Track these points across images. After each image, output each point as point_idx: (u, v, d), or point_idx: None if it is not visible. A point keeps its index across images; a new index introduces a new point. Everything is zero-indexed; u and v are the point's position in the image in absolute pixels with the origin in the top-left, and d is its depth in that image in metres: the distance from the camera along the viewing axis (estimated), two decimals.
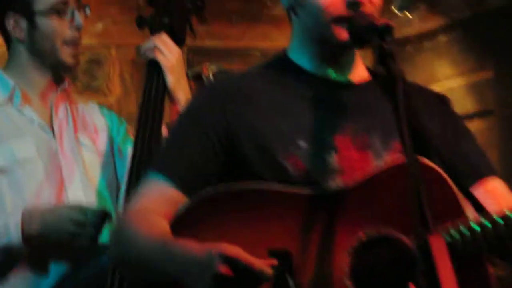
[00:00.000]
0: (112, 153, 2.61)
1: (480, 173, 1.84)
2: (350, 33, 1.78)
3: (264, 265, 1.61)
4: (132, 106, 4.30)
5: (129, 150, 2.60)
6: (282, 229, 1.74)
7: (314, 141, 1.80)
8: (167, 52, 2.49)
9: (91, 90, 4.38)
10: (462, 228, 1.67)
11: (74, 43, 2.52)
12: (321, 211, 1.73)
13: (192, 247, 1.66)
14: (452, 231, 1.67)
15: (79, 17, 2.55)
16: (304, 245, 1.72)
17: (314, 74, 1.86)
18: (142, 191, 1.86)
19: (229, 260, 1.59)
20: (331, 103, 1.84)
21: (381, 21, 1.70)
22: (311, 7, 1.80)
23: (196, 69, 4.45)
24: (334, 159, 1.80)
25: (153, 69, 2.50)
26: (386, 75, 1.62)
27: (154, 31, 2.60)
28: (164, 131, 2.51)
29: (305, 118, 1.82)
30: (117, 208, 2.57)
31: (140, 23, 2.64)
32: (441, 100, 1.92)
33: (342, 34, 1.79)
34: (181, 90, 2.50)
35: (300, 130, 1.80)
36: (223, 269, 1.59)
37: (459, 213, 1.71)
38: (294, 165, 1.79)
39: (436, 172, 1.71)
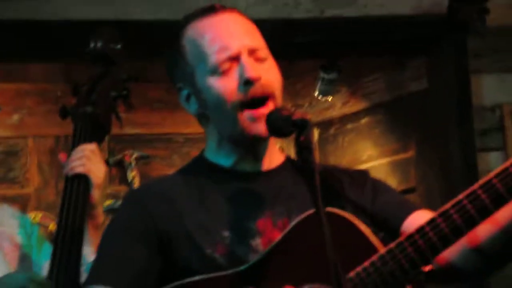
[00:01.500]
0: (19, 260, 2.52)
1: (402, 215, 1.88)
2: (268, 127, 1.83)
3: None
4: (51, 196, 4.23)
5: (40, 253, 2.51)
6: None
7: (237, 230, 1.85)
8: (97, 168, 2.43)
9: (8, 181, 4.30)
10: (373, 262, 1.74)
11: None
12: (249, 284, 1.78)
13: None
14: (366, 267, 1.74)
15: None
16: None
17: (231, 169, 1.91)
18: None
19: None
20: (249, 193, 1.90)
21: (298, 115, 1.76)
22: (214, 102, 1.87)
23: (117, 156, 4.42)
24: (259, 243, 1.84)
25: (75, 184, 2.41)
26: (304, 165, 1.71)
27: (77, 120, 2.54)
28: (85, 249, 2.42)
29: (226, 211, 1.87)
30: None
31: (63, 113, 2.57)
32: (358, 173, 1.99)
33: (252, 128, 1.84)
34: (101, 204, 2.44)
35: (223, 222, 1.85)
36: None
37: (373, 250, 1.77)
38: (222, 254, 1.83)
39: (343, 218, 1.78)
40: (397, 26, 3.93)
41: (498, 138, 3.99)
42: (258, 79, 1.85)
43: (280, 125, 1.79)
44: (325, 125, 4.74)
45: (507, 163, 1.71)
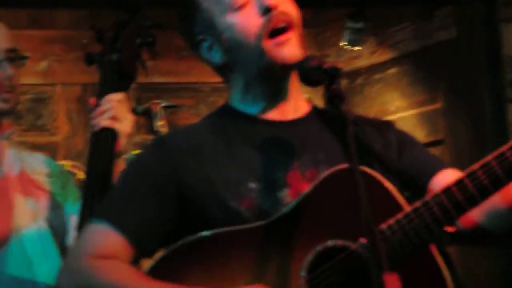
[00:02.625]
0: (51, 209, 2.57)
1: (430, 172, 1.89)
2: (299, 74, 1.84)
3: None
4: (80, 145, 4.25)
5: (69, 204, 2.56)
6: (242, 267, 1.77)
7: (264, 181, 1.84)
8: (124, 118, 2.45)
9: (37, 129, 4.32)
10: (399, 219, 1.75)
11: (2, 90, 2.50)
12: (273, 238, 1.78)
13: None
14: (391, 225, 1.75)
15: (8, 68, 2.52)
16: (262, 276, 1.76)
17: (257, 117, 1.91)
18: (93, 236, 1.86)
19: None
20: (276, 143, 1.89)
21: (328, 63, 1.77)
22: (238, 40, 1.86)
23: (145, 105, 4.44)
24: (287, 195, 1.83)
25: (102, 136, 2.44)
26: (333, 114, 1.72)
27: (103, 68, 2.56)
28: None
29: (253, 160, 1.86)
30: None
31: (89, 60, 2.58)
32: (384, 125, 1.99)
33: (279, 53, 1.85)
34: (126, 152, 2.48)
35: (250, 172, 1.84)
36: None
37: (399, 209, 1.77)
38: (248, 208, 1.82)
39: (369, 175, 1.78)
40: None
41: None
42: (277, 6, 1.85)
43: (311, 73, 1.79)
44: (352, 75, 4.71)
45: None
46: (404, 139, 1.96)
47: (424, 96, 4.50)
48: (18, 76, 2.56)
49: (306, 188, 1.82)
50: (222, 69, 1.94)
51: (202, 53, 1.94)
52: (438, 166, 1.90)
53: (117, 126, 2.40)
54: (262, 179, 1.83)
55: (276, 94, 1.91)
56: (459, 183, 1.73)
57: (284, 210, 1.80)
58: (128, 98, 2.49)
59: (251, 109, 1.92)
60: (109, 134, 2.39)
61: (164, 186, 1.84)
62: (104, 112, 2.41)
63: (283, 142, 1.89)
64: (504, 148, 1.72)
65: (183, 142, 1.88)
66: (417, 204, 1.76)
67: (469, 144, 4.12)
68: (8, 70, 2.50)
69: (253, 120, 1.91)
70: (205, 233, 1.79)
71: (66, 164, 4.18)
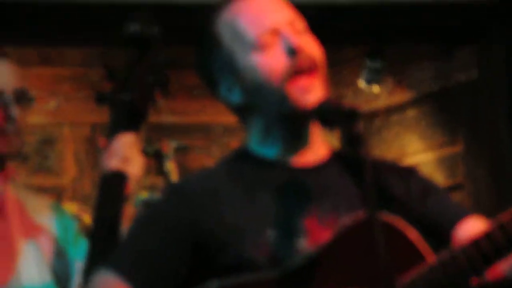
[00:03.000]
0: (54, 254, 2.50)
1: (454, 219, 1.85)
2: (318, 116, 1.82)
3: None
4: (88, 187, 4.22)
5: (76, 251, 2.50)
6: None
7: (281, 228, 1.80)
8: (135, 160, 2.39)
9: (44, 170, 4.30)
10: (423, 273, 1.71)
11: (4, 134, 2.43)
12: None
13: None
14: (415, 280, 1.71)
15: (14, 110, 2.46)
16: None
17: (276, 162, 1.86)
18: (100, 286, 1.83)
19: None
20: (295, 189, 1.85)
21: (348, 105, 1.74)
22: (258, 82, 1.82)
23: (155, 146, 4.38)
24: (305, 243, 1.79)
25: (112, 179, 2.38)
26: (353, 157, 1.71)
27: (114, 107, 2.50)
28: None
29: (271, 207, 1.82)
30: None
31: (100, 99, 2.53)
32: (406, 171, 1.96)
33: (301, 98, 1.81)
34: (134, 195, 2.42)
35: (267, 220, 1.80)
36: None
37: (421, 259, 1.74)
38: (264, 256, 1.78)
39: (391, 225, 1.75)
40: (447, 12, 3.88)
41: None
42: (303, 48, 1.81)
43: (329, 114, 1.76)
44: (369, 117, 4.69)
45: None
46: (427, 185, 1.91)
47: (444, 139, 4.46)
48: (24, 118, 2.51)
49: (325, 235, 1.78)
50: (241, 110, 1.89)
51: (220, 92, 1.88)
52: (462, 214, 1.85)
53: (128, 168, 2.33)
54: (279, 227, 1.79)
55: (296, 138, 1.87)
56: (489, 235, 1.69)
57: (299, 261, 1.75)
58: (139, 138, 2.42)
59: (270, 152, 1.87)
60: (119, 177, 2.32)
61: (177, 235, 1.80)
62: (114, 153, 2.35)
63: (302, 189, 1.84)
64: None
65: (198, 187, 1.84)
66: (444, 256, 1.71)
67: (489, 189, 4.08)
68: (14, 111, 2.45)
69: (272, 165, 1.86)
70: (214, 284, 1.73)
71: (73, 207, 4.11)
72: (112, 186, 2.33)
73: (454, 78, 4.33)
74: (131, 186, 2.37)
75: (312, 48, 1.84)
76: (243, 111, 1.88)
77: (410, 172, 1.93)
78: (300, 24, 1.85)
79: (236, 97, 1.86)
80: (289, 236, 1.79)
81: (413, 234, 1.76)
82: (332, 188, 1.85)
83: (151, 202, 3.86)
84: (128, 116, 2.43)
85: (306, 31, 1.86)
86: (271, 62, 1.81)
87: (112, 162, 2.34)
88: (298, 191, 1.84)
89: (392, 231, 1.73)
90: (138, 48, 2.48)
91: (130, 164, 2.37)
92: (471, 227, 1.78)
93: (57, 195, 4.14)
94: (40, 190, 4.01)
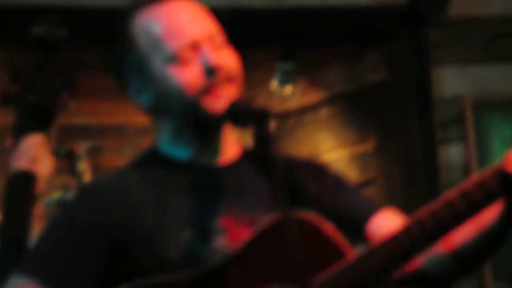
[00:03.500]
0: None
1: (367, 214, 1.87)
2: (229, 116, 1.81)
3: None
4: None
5: None
6: None
7: (197, 228, 1.79)
8: (44, 160, 2.37)
9: None
10: (344, 269, 1.74)
11: None
12: None
13: None
14: (337, 275, 1.73)
15: None
16: None
17: (188, 163, 1.86)
18: None
19: None
20: (208, 188, 1.85)
21: (257, 105, 1.73)
22: (174, 89, 1.81)
23: (68, 146, 4.35)
24: (221, 241, 1.80)
25: (20, 179, 2.36)
26: (265, 155, 1.70)
27: (20, 108, 2.47)
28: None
29: (186, 208, 1.81)
30: None
31: (6, 100, 2.50)
32: (318, 168, 1.98)
33: (214, 105, 1.81)
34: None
35: (183, 220, 1.79)
36: None
37: (340, 254, 1.76)
38: (183, 256, 1.78)
39: (307, 221, 1.77)
40: (357, 16, 3.93)
41: (458, 130, 4.00)
42: (221, 66, 1.80)
43: (240, 115, 1.76)
44: (283, 117, 4.72)
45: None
46: (338, 182, 1.94)
47: (356, 136, 4.52)
48: None
49: (242, 233, 1.79)
50: (151, 111, 1.87)
51: (130, 93, 1.86)
52: (374, 207, 1.88)
53: (36, 168, 2.32)
54: (195, 226, 1.78)
55: (208, 140, 1.87)
56: (407, 230, 1.72)
57: (215, 262, 1.75)
58: (50, 139, 2.40)
59: (181, 153, 1.86)
60: (28, 177, 2.30)
61: (91, 235, 1.77)
62: (22, 153, 2.32)
63: (215, 188, 1.85)
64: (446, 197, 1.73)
65: (111, 187, 1.82)
66: (363, 252, 1.73)
67: (401, 183, 4.14)
68: None
69: (184, 166, 1.85)
70: (137, 282, 1.72)
71: None
72: (21, 185, 2.30)
73: (365, 78, 4.37)
74: (41, 186, 2.34)
75: (230, 63, 1.83)
76: (153, 112, 1.87)
77: (321, 168, 1.95)
78: (219, 37, 1.83)
79: (146, 99, 1.85)
80: (205, 235, 1.79)
81: (329, 229, 1.77)
82: (246, 186, 1.87)
83: (63, 202, 3.83)
84: (35, 118, 2.41)
85: (225, 44, 1.84)
86: (187, 77, 1.79)
87: (21, 163, 2.32)
88: (212, 191, 1.84)
89: (309, 227, 1.75)
90: (44, 50, 2.47)
91: (39, 164, 2.36)
92: (385, 220, 1.82)
93: None
94: None
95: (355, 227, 1.85)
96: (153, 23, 1.82)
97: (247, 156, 1.91)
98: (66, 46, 2.48)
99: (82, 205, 1.82)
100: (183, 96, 1.80)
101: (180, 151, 1.86)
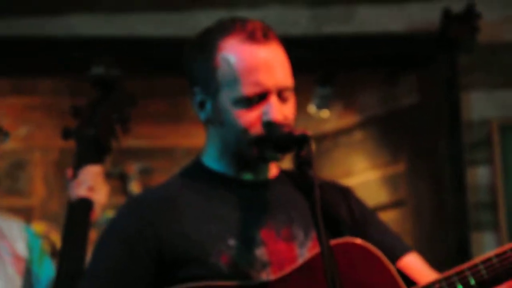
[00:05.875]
0: (20, 273, 2.55)
1: (395, 255, 1.90)
2: (273, 145, 1.84)
3: None
4: (56, 207, 4.25)
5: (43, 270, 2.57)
6: None
7: (242, 239, 1.83)
8: (100, 189, 2.51)
9: (14, 193, 4.34)
10: None
11: None
12: None
13: None
14: None
15: None
16: None
17: (231, 178, 1.91)
18: None
19: None
20: (252, 202, 1.89)
21: (298, 130, 1.79)
22: (233, 127, 1.86)
23: (120, 168, 4.47)
24: (262, 253, 1.83)
25: (80, 207, 2.47)
26: (300, 176, 1.74)
27: (80, 141, 2.62)
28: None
29: (230, 218, 1.85)
30: None
31: (66, 134, 2.63)
32: (344, 190, 1.99)
33: (267, 152, 1.86)
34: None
35: (228, 230, 1.84)
36: None
37: (394, 283, 1.80)
38: (226, 263, 1.81)
39: (366, 249, 1.80)
40: (391, 42, 3.98)
41: (486, 152, 4.01)
42: (280, 123, 1.84)
43: (282, 141, 1.81)
44: (319, 139, 4.74)
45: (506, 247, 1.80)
46: (364, 208, 1.97)
47: (388, 158, 4.54)
48: (0, 152, 2.56)
49: (281, 247, 1.83)
50: (205, 123, 1.93)
51: (192, 102, 1.91)
52: (405, 248, 1.92)
53: (94, 196, 2.45)
54: (239, 237, 1.83)
55: (251, 165, 1.92)
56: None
57: (262, 280, 1.80)
58: (104, 166, 2.53)
59: (226, 169, 1.91)
60: (86, 203, 2.43)
61: (140, 246, 1.82)
62: (81, 183, 2.45)
63: (257, 202, 1.88)
64: (491, 254, 1.82)
65: (158, 201, 1.86)
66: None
67: (429, 204, 4.16)
68: None
69: (229, 180, 1.90)
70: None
71: (42, 226, 4.18)
72: (79, 212, 2.42)
73: (398, 102, 4.40)
74: (97, 212, 2.46)
75: (287, 118, 1.85)
76: (207, 125, 1.92)
77: (348, 191, 1.97)
78: (289, 91, 1.87)
79: (204, 114, 1.90)
80: (248, 246, 1.82)
81: (383, 256, 1.81)
82: (286, 201, 1.88)
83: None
84: (93, 150, 2.53)
85: (291, 97, 1.88)
86: (248, 121, 1.84)
87: (79, 191, 2.44)
88: (255, 204, 1.87)
89: (370, 254, 1.78)
90: (101, 88, 2.59)
91: (96, 192, 2.47)
92: (414, 263, 1.87)
93: (27, 215, 4.15)
94: (11, 210, 4.06)
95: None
96: (238, 60, 1.86)
97: (284, 174, 1.94)
98: (121, 84, 2.58)
99: (129, 217, 1.85)
100: (239, 134, 1.85)
101: (225, 168, 1.91)
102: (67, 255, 2.38)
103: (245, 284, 1.79)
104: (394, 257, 1.88)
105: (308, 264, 1.79)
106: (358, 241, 1.81)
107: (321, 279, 1.70)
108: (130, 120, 2.59)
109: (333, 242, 1.77)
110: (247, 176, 1.90)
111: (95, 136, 2.55)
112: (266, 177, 1.92)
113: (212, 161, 1.92)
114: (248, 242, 1.83)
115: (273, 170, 1.94)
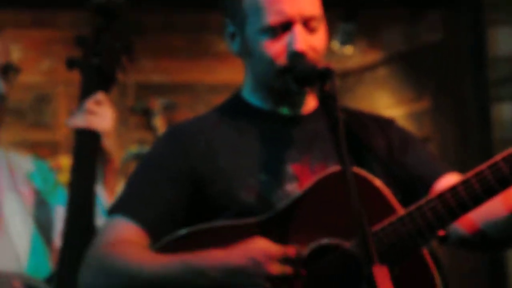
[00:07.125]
0: (35, 203, 2.56)
1: (433, 175, 1.87)
2: (294, 78, 1.82)
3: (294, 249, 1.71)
4: None
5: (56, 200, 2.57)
6: None
7: (274, 174, 1.83)
8: (103, 117, 2.45)
9: (39, 126, 4.34)
10: (393, 222, 1.74)
11: None
12: (268, 234, 1.76)
13: (221, 256, 1.73)
14: (385, 227, 1.74)
15: (1, 83, 2.45)
16: None
17: (268, 112, 1.90)
18: (110, 229, 1.86)
19: (272, 258, 1.70)
20: (287, 137, 1.88)
21: (322, 64, 1.75)
22: (260, 58, 1.85)
23: (143, 103, 4.45)
24: (295, 188, 1.82)
25: (82, 137, 2.41)
26: (329, 115, 1.71)
27: (84, 72, 2.57)
28: (98, 191, 2.47)
29: (264, 153, 1.85)
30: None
31: (70, 64, 2.59)
32: (386, 122, 1.95)
33: (291, 84, 1.84)
34: (115, 148, 2.47)
35: (260, 164, 1.84)
36: (274, 269, 1.69)
37: (390, 209, 1.78)
38: (257, 199, 1.81)
39: (363, 177, 1.78)
40: None
41: (511, 88, 3.98)
42: (305, 54, 1.81)
43: (305, 75, 1.78)
44: (343, 76, 4.71)
45: None
46: (406, 136, 1.92)
47: (412, 95, 4.50)
48: (11, 89, 2.46)
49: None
50: (238, 55, 1.92)
51: (225, 33, 1.91)
52: (443, 169, 1.87)
53: (95, 125, 2.39)
54: (271, 172, 1.83)
55: (285, 98, 1.89)
56: (452, 189, 1.71)
57: (281, 206, 1.79)
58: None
59: (262, 104, 1.90)
60: (88, 135, 2.39)
61: (177, 175, 1.84)
62: (79, 114, 2.40)
63: (292, 137, 1.87)
64: (498, 157, 1.70)
65: (194, 132, 1.87)
66: (412, 207, 1.73)
67: (454, 141, 4.14)
68: (1, 85, 2.40)
69: (264, 114, 1.89)
70: (203, 226, 1.79)
71: (68, 159, 4.17)
72: (85, 141, 2.37)
73: (422, 39, 4.35)
74: (107, 142, 2.39)
75: (316, 50, 1.82)
76: (240, 57, 1.91)
77: (389, 123, 1.93)
78: (316, 21, 1.82)
79: (235, 46, 1.90)
80: (280, 182, 1.81)
81: (380, 183, 1.78)
82: (321, 136, 1.87)
83: (141, 156, 3.92)
84: (97, 80, 2.46)
85: (320, 28, 1.83)
86: (272, 52, 1.82)
87: (76, 119, 2.38)
88: (289, 139, 1.86)
89: (363, 182, 1.75)
90: (104, 17, 2.51)
91: (99, 120, 2.39)
92: (449, 183, 1.76)
93: (53, 148, 4.15)
94: (36, 144, 4.07)
95: (421, 185, 1.85)
96: None
97: (321, 110, 1.89)
98: (124, 13, 2.49)
99: (168, 146, 1.87)
100: (265, 65, 1.83)
101: (261, 101, 1.90)
102: (75, 185, 2.37)
103: (257, 220, 1.79)
104: (432, 178, 1.85)
105: (321, 186, 1.79)
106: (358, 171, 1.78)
107: (335, 199, 1.75)
108: (134, 48, 2.53)
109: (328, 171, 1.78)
110: (284, 110, 1.89)
111: (99, 66, 2.50)
112: (302, 112, 1.89)
113: (249, 94, 1.92)
114: (279, 177, 1.83)
115: (310, 104, 1.90)
